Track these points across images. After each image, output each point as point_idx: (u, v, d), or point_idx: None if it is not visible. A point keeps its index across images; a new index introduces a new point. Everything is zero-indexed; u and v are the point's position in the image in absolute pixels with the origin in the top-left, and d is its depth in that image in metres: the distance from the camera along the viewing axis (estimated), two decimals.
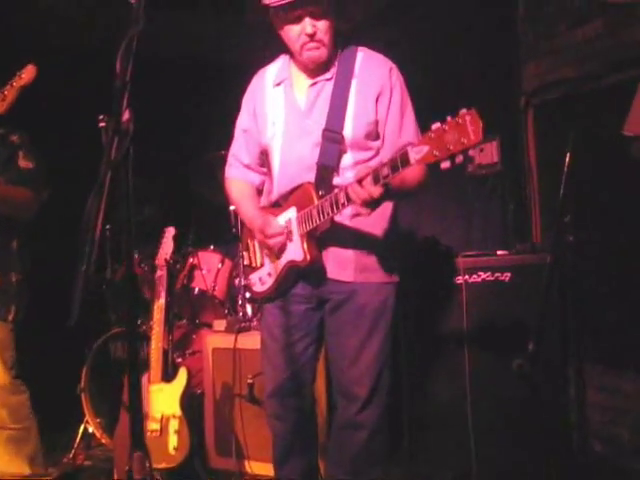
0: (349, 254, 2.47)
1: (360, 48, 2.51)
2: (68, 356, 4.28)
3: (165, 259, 3.66)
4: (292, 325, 2.54)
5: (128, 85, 1.44)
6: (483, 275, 3.24)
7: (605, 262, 3.38)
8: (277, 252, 2.51)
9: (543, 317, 2.72)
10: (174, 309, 3.90)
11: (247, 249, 2.75)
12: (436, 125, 1.85)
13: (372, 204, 2.16)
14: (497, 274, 3.22)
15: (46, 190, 3.26)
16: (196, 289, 4.22)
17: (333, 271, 2.46)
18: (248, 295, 3.85)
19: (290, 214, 2.46)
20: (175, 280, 4.06)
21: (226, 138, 2.80)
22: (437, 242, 3.52)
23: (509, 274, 3.20)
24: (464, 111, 1.79)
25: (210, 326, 4.07)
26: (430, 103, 2.71)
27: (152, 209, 4.63)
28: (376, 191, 2.10)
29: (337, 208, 2.25)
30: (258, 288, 2.66)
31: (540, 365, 2.64)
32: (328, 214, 2.29)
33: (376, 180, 2.10)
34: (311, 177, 2.42)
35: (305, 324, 2.55)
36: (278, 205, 2.56)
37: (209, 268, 4.23)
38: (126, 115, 1.44)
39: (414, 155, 1.93)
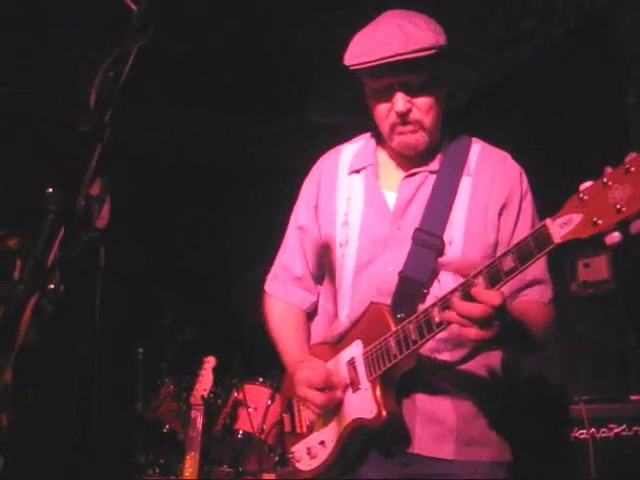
0: (447, 415, 1.72)
1: (475, 139, 1.90)
2: None
3: (202, 396, 3.35)
4: None
5: (107, 130, 0.79)
6: (616, 429, 2.60)
7: None
8: (331, 412, 1.78)
9: None
10: (212, 454, 3.54)
11: (289, 409, 1.96)
12: (587, 184, 1.31)
13: (488, 322, 1.44)
14: (636, 428, 2.60)
15: None
16: (240, 431, 3.65)
17: (423, 443, 1.70)
18: None
19: (353, 351, 1.77)
20: (215, 419, 3.62)
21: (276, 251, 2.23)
22: (546, 381, 2.85)
23: None
24: (634, 155, 1.25)
25: (256, 476, 3.59)
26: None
27: (194, 332, 4.18)
28: (496, 297, 1.42)
29: (428, 332, 1.57)
30: (305, 465, 1.85)
31: None
32: (414, 343, 1.59)
33: (494, 280, 1.44)
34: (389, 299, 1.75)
35: None
36: (343, 341, 1.87)
37: (257, 405, 3.66)
38: (96, 187, 0.77)
39: (558, 229, 1.33)
